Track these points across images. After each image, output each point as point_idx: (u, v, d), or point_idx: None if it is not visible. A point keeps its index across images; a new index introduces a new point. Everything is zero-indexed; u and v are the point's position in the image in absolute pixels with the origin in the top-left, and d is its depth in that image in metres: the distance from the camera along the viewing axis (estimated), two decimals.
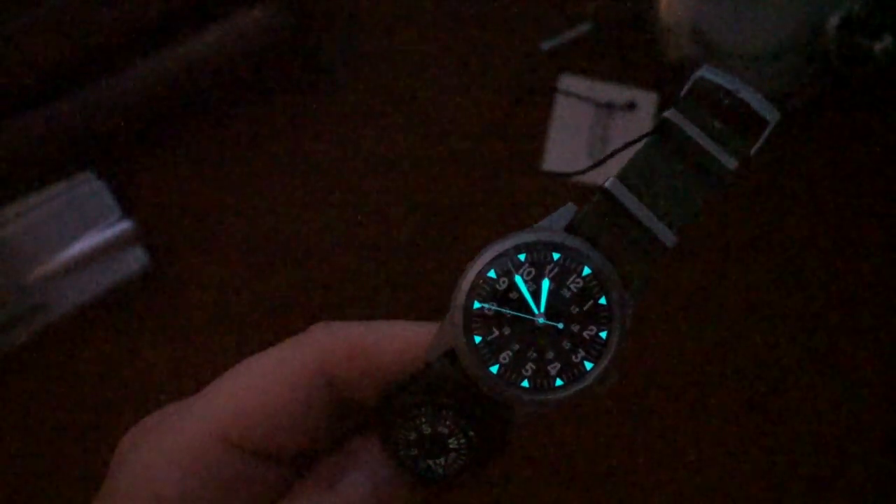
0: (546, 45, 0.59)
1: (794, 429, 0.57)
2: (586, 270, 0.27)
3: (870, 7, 0.54)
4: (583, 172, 0.29)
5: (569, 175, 0.54)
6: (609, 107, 0.54)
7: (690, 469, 0.57)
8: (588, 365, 0.27)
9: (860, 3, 0.54)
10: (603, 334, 0.27)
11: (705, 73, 0.27)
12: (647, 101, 0.58)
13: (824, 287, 0.58)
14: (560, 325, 0.26)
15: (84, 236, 0.56)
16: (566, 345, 0.27)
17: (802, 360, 0.57)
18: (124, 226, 0.57)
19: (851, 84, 0.57)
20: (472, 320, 0.27)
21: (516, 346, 0.27)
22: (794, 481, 0.57)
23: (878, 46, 0.54)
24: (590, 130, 0.56)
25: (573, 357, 0.27)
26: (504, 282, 0.27)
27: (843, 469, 0.57)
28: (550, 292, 0.27)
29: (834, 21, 0.54)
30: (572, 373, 0.27)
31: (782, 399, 0.57)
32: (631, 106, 0.56)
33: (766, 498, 0.57)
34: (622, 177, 0.27)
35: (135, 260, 0.57)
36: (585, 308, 0.27)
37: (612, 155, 0.28)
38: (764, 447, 0.57)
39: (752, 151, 0.27)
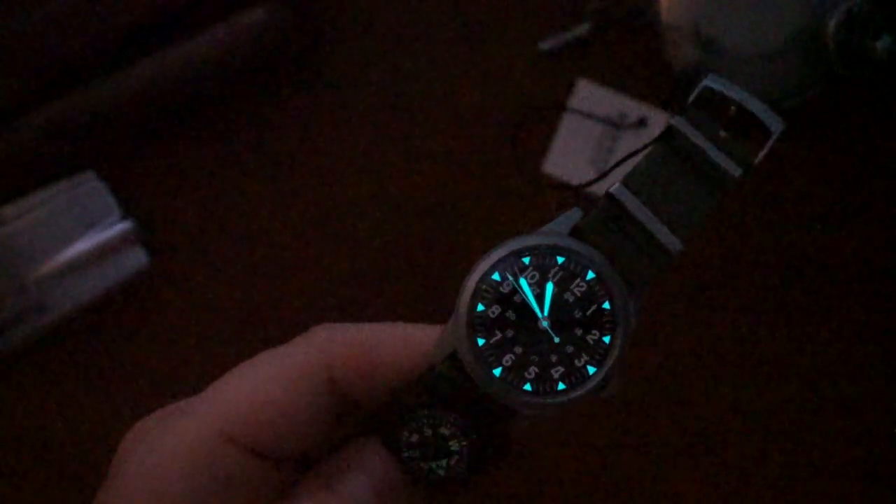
0: (544, 45, 0.59)
1: (797, 436, 0.57)
2: (590, 275, 0.27)
3: (870, 7, 0.54)
4: (587, 185, 0.29)
5: (573, 188, 0.54)
6: (618, 126, 0.54)
7: (692, 474, 0.57)
8: (591, 369, 0.27)
9: (860, 3, 0.54)
10: (606, 339, 0.27)
11: (711, 82, 0.27)
12: (658, 119, 0.57)
13: (824, 286, 0.58)
14: (557, 340, 0.27)
15: (84, 236, 0.56)
16: (569, 349, 0.27)
17: (805, 363, 0.58)
18: (124, 226, 0.57)
19: (851, 84, 0.57)
20: (476, 323, 0.27)
21: (519, 350, 0.27)
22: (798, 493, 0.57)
23: (878, 46, 0.54)
24: (596, 142, 0.56)
25: (576, 361, 0.27)
26: (508, 285, 0.27)
27: (846, 470, 0.57)
28: (554, 296, 0.27)
29: (834, 21, 0.54)
30: (575, 377, 0.27)
31: (785, 402, 0.57)
32: (642, 122, 0.56)
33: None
34: (628, 182, 0.27)
35: (135, 260, 0.57)
36: (589, 312, 0.27)
37: (618, 164, 0.29)
38: (765, 452, 0.57)
39: (757, 160, 0.27)
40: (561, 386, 0.27)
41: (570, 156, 0.58)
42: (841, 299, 0.58)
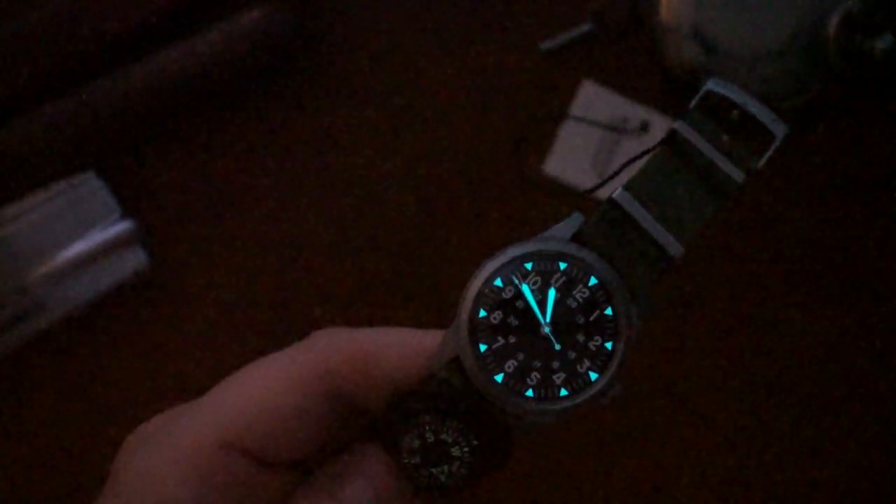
0: (545, 46, 0.59)
1: (800, 437, 0.57)
2: (592, 280, 0.27)
3: (870, 6, 0.54)
4: (590, 192, 0.29)
5: (578, 193, 0.54)
6: (620, 131, 0.54)
7: (693, 474, 0.57)
8: (593, 375, 0.27)
9: (860, 2, 0.54)
10: (608, 345, 0.27)
11: (713, 86, 0.27)
12: (661, 123, 0.57)
13: (824, 287, 0.58)
14: (558, 346, 0.27)
15: (84, 236, 0.56)
16: (571, 355, 0.27)
17: (805, 362, 0.58)
18: (124, 226, 0.57)
19: (851, 84, 0.57)
20: (478, 328, 0.27)
21: (521, 356, 0.27)
22: (798, 488, 0.57)
23: (878, 46, 0.54)
24: (597, 145, 0.56)
25: (578, 367, 0.27)
26: (510, 290, 0.27)
27: (846, 467, 0.57)
28: (556, 302, 0.27)
29: (834, 21, 0.54)
30: (577, 383, 0.27)
31: (786, 403, 0.57)
32: (643, 126, 0.56)
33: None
34: (630, 187, 0.27)
35: (135, 260, 0.57)
36: (591, 318, 0.27)
37: (621, 169, 0.29)
38: (767, 452, 0.57)
39: (760, 165, 0.27)
40: (563, 392, 0.27)
41: (572, 158, 0.58)
42: (840, 297, 0.58)
